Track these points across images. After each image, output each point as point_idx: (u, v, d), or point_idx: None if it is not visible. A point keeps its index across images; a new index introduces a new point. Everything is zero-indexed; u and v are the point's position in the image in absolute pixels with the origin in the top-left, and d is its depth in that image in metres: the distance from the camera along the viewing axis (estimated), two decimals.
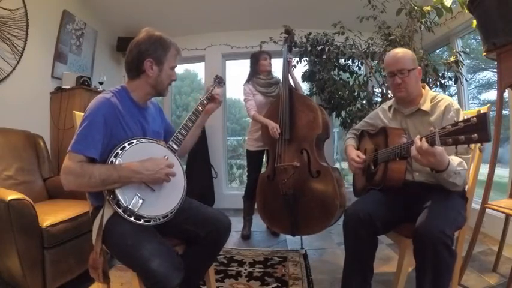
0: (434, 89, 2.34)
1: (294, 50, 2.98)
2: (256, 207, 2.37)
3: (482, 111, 0.86)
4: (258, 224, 2.56)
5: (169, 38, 1.18)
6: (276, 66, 2.53)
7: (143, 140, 1.11)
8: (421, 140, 1.00)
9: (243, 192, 2.57)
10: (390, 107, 1.43)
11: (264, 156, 2.55)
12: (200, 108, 1.30)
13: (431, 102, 1.29)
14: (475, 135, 0.84)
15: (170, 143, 1.18)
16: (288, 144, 2.11)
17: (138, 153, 1.05)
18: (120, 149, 1.03)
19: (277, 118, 2.17)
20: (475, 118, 0.85)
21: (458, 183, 1.11)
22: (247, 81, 2.49)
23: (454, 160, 1.09)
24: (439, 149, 0.99)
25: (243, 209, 2.58)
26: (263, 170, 2.53)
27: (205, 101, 1.33)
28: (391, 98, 1.59)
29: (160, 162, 1.06)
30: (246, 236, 2.46)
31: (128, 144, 1.05)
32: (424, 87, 1.35)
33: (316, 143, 2.08)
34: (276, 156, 2.12)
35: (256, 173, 2.41)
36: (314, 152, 2.04)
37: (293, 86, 2.36)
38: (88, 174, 0.96)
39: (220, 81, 1.45)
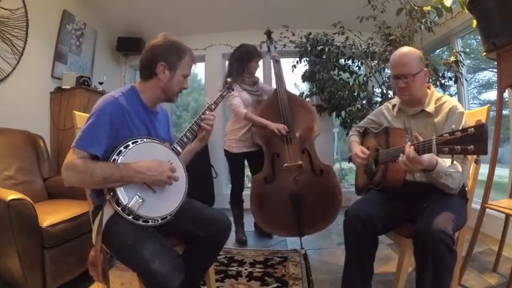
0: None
1: (294, 50, 3.03)
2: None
3: (481, 122, 0.83)
4: (250, 224, 2.55)
5: (185, 45, 1.18)
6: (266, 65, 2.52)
7: (147, 139, 1.10)
8: (410, 148, 1.01)
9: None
10: (394, 105, 1.42)
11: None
12: (207, 112, 1.28)
13: (435, 104, 1.27)
14: (471, 146, 0.82)
15: (175, 145, 1.17)
16: (290, 144, 2.09)
17: (141, 152, 1.05)
18: (124, 147, 1.03)
19: (279, 118, 2.13)
20: (472, 129, 0.83)
21: (451, 185, 1.11)
22: (234, 77, 2.22)
23: (447, 161, 1.08)
24: (426, 156, 0.99)
25: (234, 216, 2.39)
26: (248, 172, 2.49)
27: (212, 106, 1.31)
28: (391, 98, 1.59)
29: (163, 165, 1.05)
30: (244, 241, 2.31)
31: (132, 143, 1.05)
32: (429, 88, 1.33)
33: (314, 142, 2.13)
34: (273, 157, 2.08)
35: (243, 176, 2.35)
36: (314, 151, 2.07)
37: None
38: (90, 171, 0.95)
39: (229, 86, 1.45)
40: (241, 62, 2.26)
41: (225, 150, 2.34)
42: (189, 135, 1.22)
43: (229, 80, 1.49)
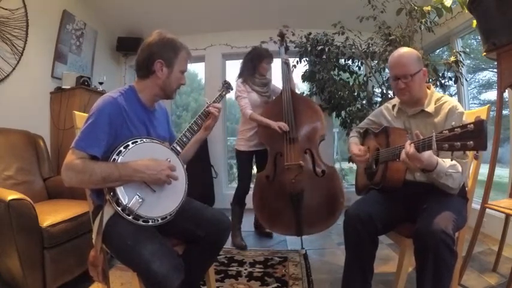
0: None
1: (294, 50, 3.00)
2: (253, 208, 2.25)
3: (480, 118, 0.84)
4: (250, 224, 2.57)
5: (180, 41, 1.18)
6: (274, 66, 2.52)
7: (147, 139, 1.10)
8: (410, 145, 1.02)
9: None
10: (394, 105, 1.42)
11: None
12: (207, 111, 1.29)
13: (435, 104, 1.27)
14: (471, 142, 0.83)
15: (174, 145, 1.17)
16: (292, 143, 2.10)
17: (141, 152, 1.05)
18: (124, 147, 1.03)
19: (282, 118, 2.15)
20: (472, 125, 0.83)
21: (451, 185, 1.11)
22: (243, 78, 2.34)
23: (446, 162, 1.09)
24: (426, 154, 1.00)
25: (233, 217, 2.33)
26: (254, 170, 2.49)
27: (211, 106, 1.31)
28: (391, 98, 1.59)
29: (162, 163, 1.05)
30: (244, 246, 2.22)
31: (132, 143, 1.05)
32: (429, 88, 1.33)
33: (318, 143, 2.13)
34: (276, 156, 2.11)
35: (250, 176, 2.36)
36: (318, 152, 2.08)
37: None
38: (89, 171, 0.96)
39: (228, 86, 1.45)
40: (253, 63, 2.36)
41: (235, 150, 2.43)
42: (189, 134, 1.22)
43: (228, 80, 1.49)
